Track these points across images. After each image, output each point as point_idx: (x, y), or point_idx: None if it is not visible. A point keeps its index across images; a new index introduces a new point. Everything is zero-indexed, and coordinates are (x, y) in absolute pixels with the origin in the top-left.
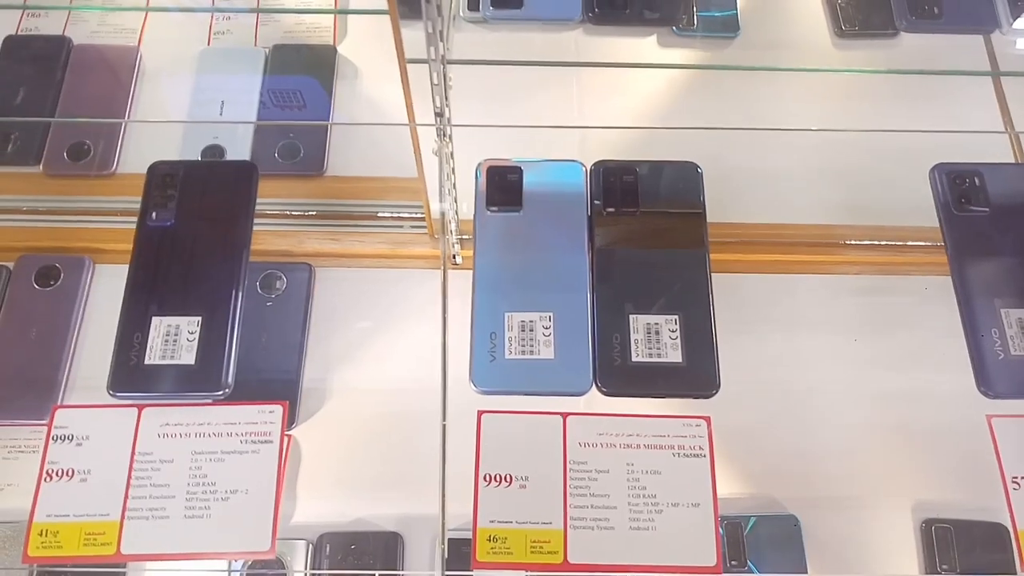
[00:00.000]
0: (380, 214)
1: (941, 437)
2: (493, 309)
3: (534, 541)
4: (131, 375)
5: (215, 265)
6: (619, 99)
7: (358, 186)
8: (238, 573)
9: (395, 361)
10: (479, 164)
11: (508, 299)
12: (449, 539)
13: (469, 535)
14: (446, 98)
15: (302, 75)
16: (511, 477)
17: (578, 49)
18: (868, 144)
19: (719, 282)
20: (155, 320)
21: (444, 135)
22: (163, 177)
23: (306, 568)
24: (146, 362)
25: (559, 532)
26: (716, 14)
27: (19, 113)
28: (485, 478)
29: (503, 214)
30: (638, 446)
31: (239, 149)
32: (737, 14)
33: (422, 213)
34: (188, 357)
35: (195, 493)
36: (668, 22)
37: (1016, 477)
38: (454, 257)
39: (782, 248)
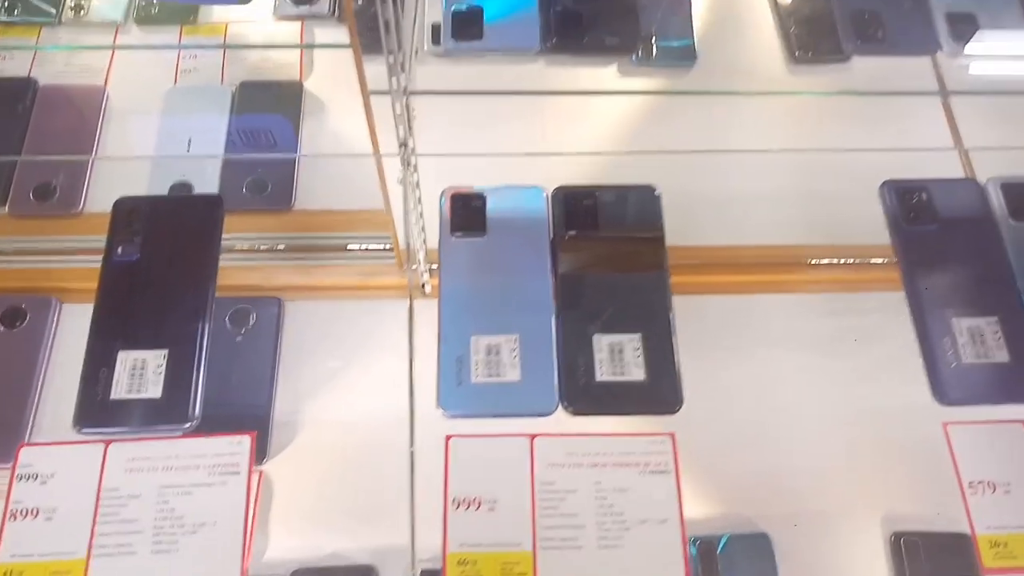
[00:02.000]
0: (349, 246)
1: (907, 450)
2: (460, 333)
3: (504, 563)
4: (97, 410)
5: (181, 298)
6: (582, 128)
7: (326, 219)
8: None
9: (366, 393)
10: (443, 191)
11: (474, 323)
12: (423, 569)
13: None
14: (409, 128)
15: (269, 111)
16: (479, 501)
17: (542, 79)
18: (825, 166)
19: (684, 304)
20: (121, 354)
21: (408, 165)
22: (128, 213)
23: None
24: (112, 396)
25: (528, 554)
26: (674, 43)
27: None
28: (454, 502)
29: (467, 239)
30: (605, 464)
31: (207, 186)
32: (694, 43)
33: (391, 244)
34: (155, 390)
35: (162, 527)
36: (626, 51)
37: (972, 482)
38: (423, 286)
39: (744, 269)
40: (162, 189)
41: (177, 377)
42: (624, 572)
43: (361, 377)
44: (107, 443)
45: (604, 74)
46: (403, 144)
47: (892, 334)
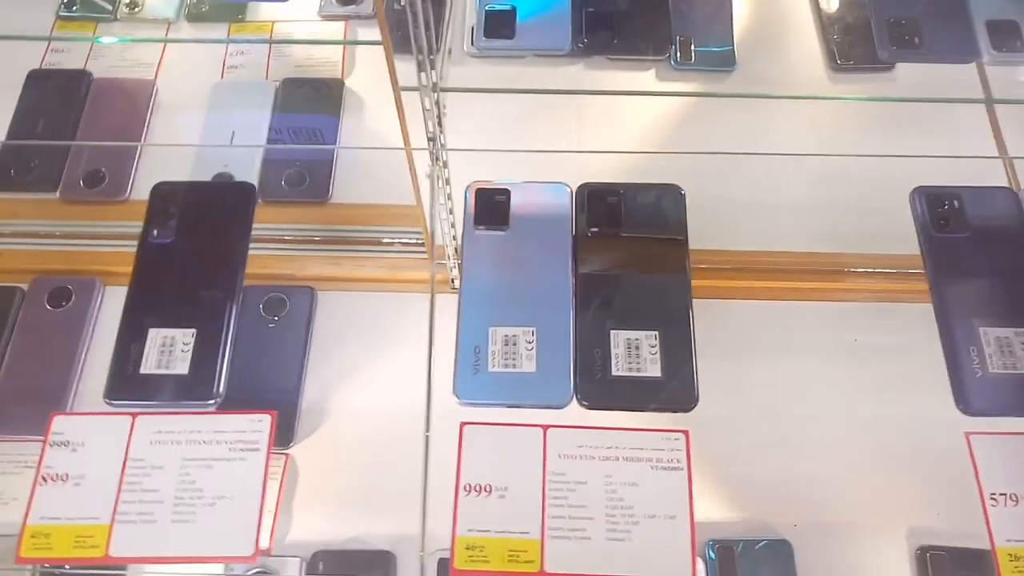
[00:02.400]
0: (384, 240)
1: (934, 463)
2: (478, 323)
3: (511, 550)
4: (127, 383)
5: (212, 280)
6: (617, 131)
7: (362, 212)
8: None
9: (391, 382)
10: (467, 186)
11: (493, 314)
12: (441, 558)
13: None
14: (439, 124)
15: (310, 107)
16: (491, 487)
17: (579, 82)
18: (864, 174)
19: (712, 308)
20: (151, 332)
21: (437, 159)
22: (165, 197)
23: None
24: (142, 371)
25: (536, 542)
26: (713, 49)
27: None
28: (465, 488)
29: (490, 232)
30: (617, 458)
31: (248, 177)
32: (734, 49)
33: (422, 238)
34: (182, 367)
35: (182, 499)
36: (658, 54)
37: (994, 494)
38: (452, 281)
39: (774, 275)
40: (205, 178)
41: (204, 355)
42: (632, 565)
43: (387, 368)
44: (135, 415)
45: (642, 78)
46: (431, 139)
47: (923, 345)
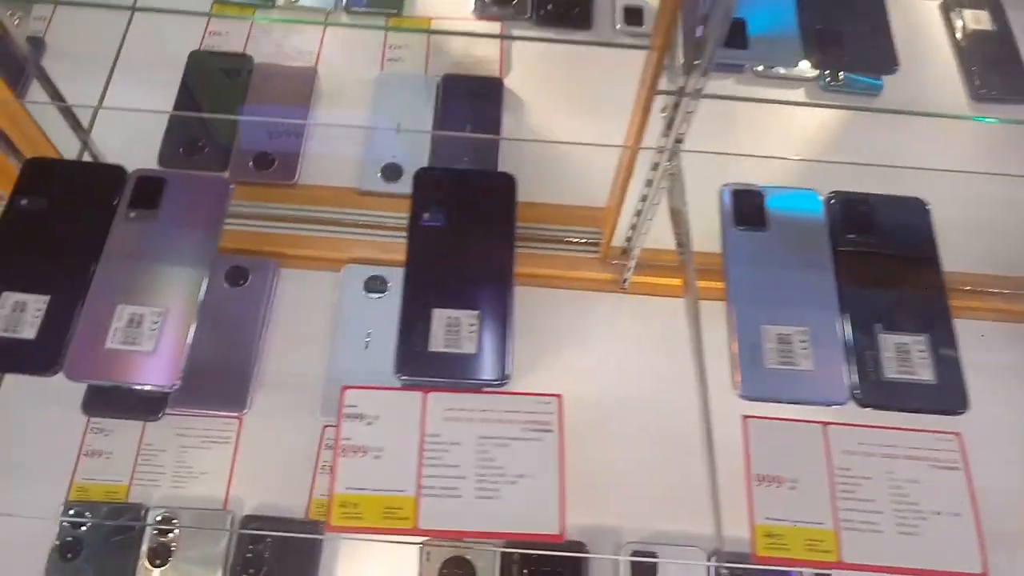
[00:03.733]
0: (566, 238)
1: None
2: (751, 321)
3: (808, 540)
4: (416, 360)
5: (487, 263)
6: (773, 140)
7: (539, 211)
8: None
9: (583, 375)
10: (722, 187)
11: (764, 313)
12: (635, 551)
13: (647, 548)
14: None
15: (472, 102)
16: (781, 479)
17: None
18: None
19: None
20: (436, 311)
21: (670, 160)
22: (429, 183)
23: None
24: (431, 349)
25: (831, 532)
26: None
27: (205, 123)
28: (756, 478)
29: (750, 233)
30: (896, 456)
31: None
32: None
33: (597, 238)
34: (469, 347)
35: (484, 475)
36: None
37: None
38: (624, 281)
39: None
40: (374, 169)
41: (490, 336)
42: (923, 559)
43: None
44: (425, 391)
45: (792, 95)
46: (679, 140)
47: None
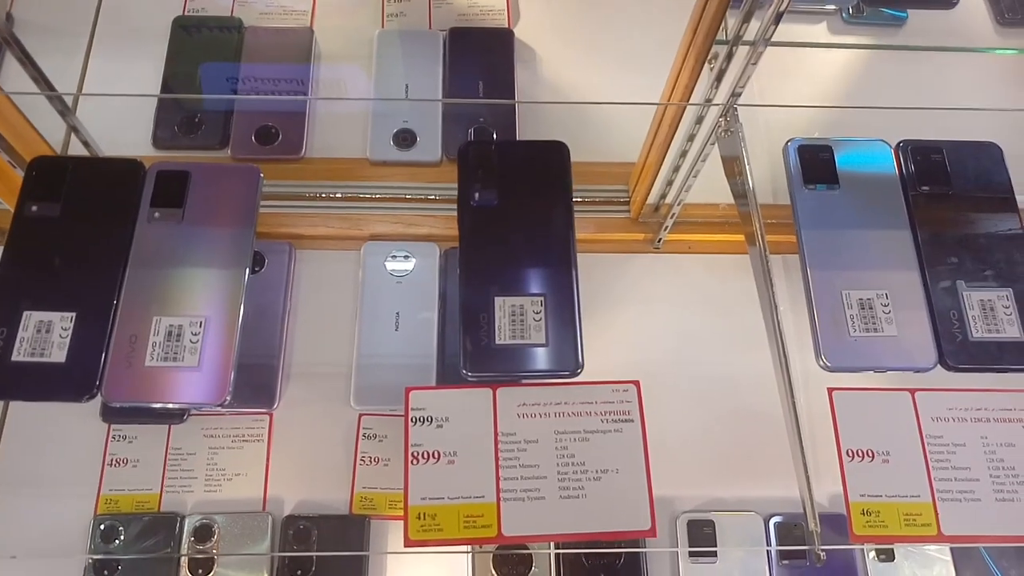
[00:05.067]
0: (590, 199)
1: None
2: (830, 287)
3: (906, 515)
4: (483, 355)
5: (545, 247)
6: (798, 81)
7: None
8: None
9: (621, 341)
10: (787, 143)
11: (842, 277)
12: (689, 520)
13: (705, 517)
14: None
15: (482, 57)
16: (873, 452)
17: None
18: None
19: None
20: (497, 300)
21: (727, 116)
22: (478, 159)
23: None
24: (497, 343)
25: (928, 505)
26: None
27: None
28: (848, 453)
29: (821, 192)
30: (988, 420)
31: (430, 134)
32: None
33: (623, 197)
34: (538, 337)
35: (566, 473)
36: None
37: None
38: (659, 241)
39: None
40: (384, 136)
41: (560, 326)
42: None
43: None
44: (495, 387)
45: (814, 31)
46: (736, 94)
47: None
